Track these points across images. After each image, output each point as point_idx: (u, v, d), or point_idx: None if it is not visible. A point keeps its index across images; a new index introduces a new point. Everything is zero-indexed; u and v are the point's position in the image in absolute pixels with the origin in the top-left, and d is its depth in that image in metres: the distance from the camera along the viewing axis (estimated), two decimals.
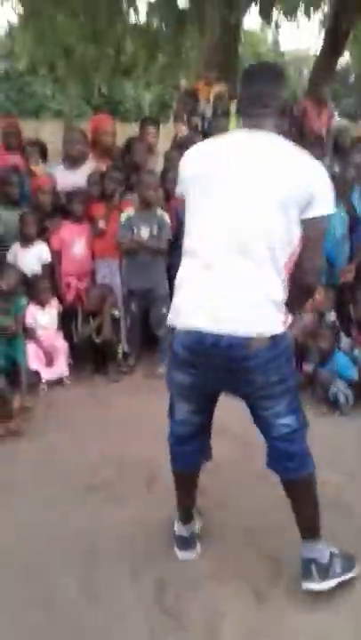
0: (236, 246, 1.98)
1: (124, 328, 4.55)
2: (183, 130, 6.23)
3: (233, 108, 6.44)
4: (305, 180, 2.00)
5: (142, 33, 10.08)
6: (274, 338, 2.02)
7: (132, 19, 10.26)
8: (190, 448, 2.36)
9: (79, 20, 9.87)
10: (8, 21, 10.68)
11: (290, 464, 2.17)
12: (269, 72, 2.18)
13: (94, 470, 3.14)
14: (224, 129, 5.35)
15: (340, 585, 2.24)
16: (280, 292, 2.04)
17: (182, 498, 2.48)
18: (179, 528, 2.50)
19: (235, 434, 3.29)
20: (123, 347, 4.53)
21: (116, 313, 4.47)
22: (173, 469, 2.44)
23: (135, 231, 4.35)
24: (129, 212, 4.41)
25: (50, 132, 7.81)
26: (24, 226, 4.46)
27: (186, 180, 2.14)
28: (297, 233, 2.02)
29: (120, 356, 4.49)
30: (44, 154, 5.09)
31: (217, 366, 2.06)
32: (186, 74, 11.01)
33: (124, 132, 6.00)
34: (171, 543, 2.52)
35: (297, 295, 2.14)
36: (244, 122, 2.14)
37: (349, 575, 2.27)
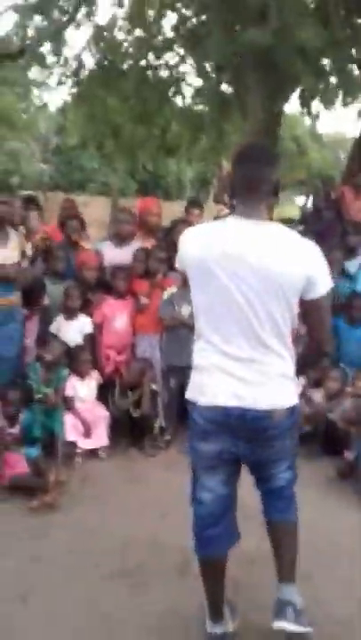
0: (249, 337, 2.13)
1: (161, 403, 4.59)
2: (225, 210, 6.44)
3: None
4: (303, 266, 2.12)
5: (188, 116, 10.60)
6: (292, 408, 2.23)
7: (180, 102, 10.84)
8: (219, 530, 2.31)
9: (129, 102, 10.47)
10: (63, 100, 11.32)
11: (286, 507, 2.35)
12: (262, 156, 2.25)
13: (125, 552, 3.10)
14: None
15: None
16: (292, 367, 2.25)
17: (212, 590, 2.38)
18: (211, 626, 2.40)
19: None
20: (160, 421, 4.54)
21: (155, 387, 4.52)
22: (202, 557, 2.36)
23: (176, 308, 4.46)
24: (172, 289, 4.54)
25: (96, 207, 8.22)
26: (68, 299, 4.62)
27: (186, 262, 2.24)
28: (296, 309, 2.18)
29: (157, 430, 4.50)
30: (82, 227, 5.29)
31: (240, 437, 2.19)
32: (227, 155, 11.47)
33: (167, 209, 6.25)
34: (200, 637, 2.44)
35: (316, 360, 2.52)
36: (237, 207, 2.21)
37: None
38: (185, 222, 5.05)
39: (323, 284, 2.18)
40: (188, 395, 2.29)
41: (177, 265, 2.39)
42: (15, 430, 4.08)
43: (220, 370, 2.17)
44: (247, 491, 2.41)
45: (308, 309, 2.22)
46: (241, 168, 2.22)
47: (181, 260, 2.30)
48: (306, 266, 2.12)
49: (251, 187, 2.16)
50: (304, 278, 2.12)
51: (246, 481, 2.38)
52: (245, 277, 2.10)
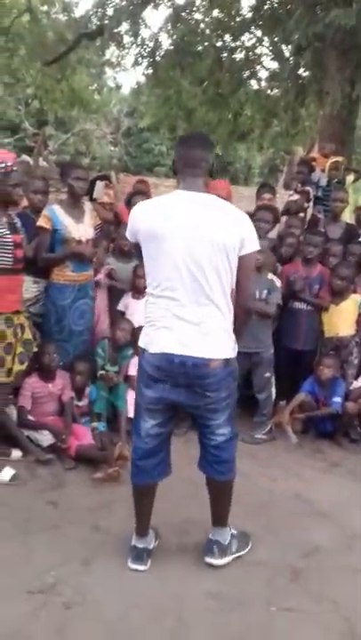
0: (197, 289, 2.49)
1: None
2: (295, 196, 6.32)
3: (350, 178, 6.50)
4: (237, 227, 2.53)
5: (262, 100, 10.43)
6: (227, 360, 2.59)
7: (254, 86, 10.68)
8: (153, 461, 2.76)
9: (203, 85, 10.40)
10: (137, 82, 11.38)
11: (220, 468, 2.78)
12: (201, 140, 2.72)
13: (185, 532, 3.13)
14: (342, 199, 5.39)
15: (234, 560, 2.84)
16: (230, 323, 2.62)
17: (141, 511, 2.81)
18: (135, 540, 2.81)
19: (336, 520, 3.21)
20: None
21: None
22: (135, 483, 2.79)
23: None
24: None
25: (165, 189, 8.18)
26: (136, 277, 4.65)
27: (140, 231, 2.60)
28: (234, 270, 2.55)
29: None
30: None
31: (180, 382, 2.57)
32: (300, 141, 11.24)
33: (235, 193, 6.18)
34: (261, 625, 2.46)
35: (241, 319, 2.72)
36: (181, 182, 2.62)
37: (242, 552, 2.92)
38: (268, 208, 4.95)
39: (252, 243, 2.58)
40: (140, 343, 2.68)
41: (127, 235, 2.73)
42: (82, 403, 4.19)
43: (168, 324, 2.53)
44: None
45: (239, 265, 2.56)
46: (184, 149, 2.64)
47: (133, 231, 2.65)
48: (240, 228, 2.53)
49: (192, 164, 2.58)
50: (239, 237, 2.51)
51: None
52: (194, 240, 2.46)
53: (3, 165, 3.40)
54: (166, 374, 2.56)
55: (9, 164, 3.45)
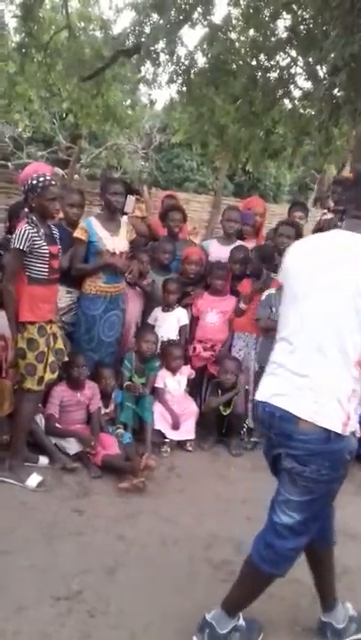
0: (313, 343, 2.11)
1: (251, 403, 4.56)
2: (328, 215, 6.30)
3: None
4: None
5: (295, 119, 10.46)
6: (328, 433, 2.06)
7: (288, 105, 10.71)
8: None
9: (237, 103, 10.47)
10: (171, 98, 11.49)
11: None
12: None
13: (210, 546, 3.12)
14: None
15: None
16: (347, 391, 2.08)
17: (252, 598, 2.40)
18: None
19: None
20: (248, 422, 4.52)
21: (247, 387, 4.50)
22: (275, 573, 2.30)
23: (273, 310, 4.41)
24: (270, 291, 4.49)
25: (196, 205, 8.27)
26: (166, 291, 4.68)
27: (285, 270, 2.33)
28: None
29: (245, 430, 4.49)
30: (184, 220, 5.24)
31: (271, 439, 2.22)
32: (332, 160, 11.23)
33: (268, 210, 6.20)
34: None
35: None
36: (347, 222, 2.32)
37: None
38: (291, 224, 4.97)
39: None
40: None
41: (279, 276, 2.51)
42: (109, 409, 4.23)
43: (277, 373, 2.20)
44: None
45: None
46: None
47: (282, 270, 2.38)
48: None
49: None
50: None
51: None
52: (325, 291, 2.13)
53: (42, 180, 3.48)
54: (261, 425, 2.27)
55: (48, 177, 3.53)
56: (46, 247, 3.51)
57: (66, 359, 3.83)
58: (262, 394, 2.22)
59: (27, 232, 3.42)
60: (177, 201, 5.81)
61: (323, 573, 2.53)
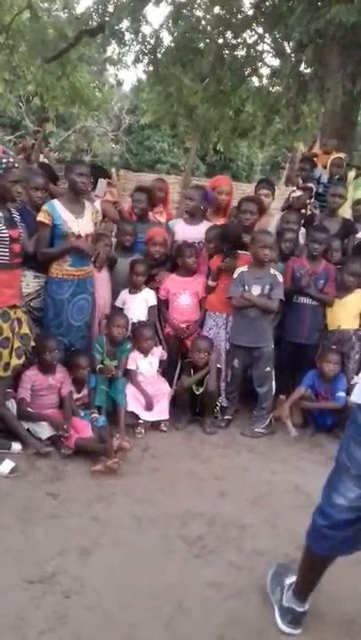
0: None
1: (223, 382, 4.59)
2: (297, 192, 6.31)
3: (351, 175, 6.50)
4: None
5: (263, 97, 10.42)
6: None
7: (256, 83, 10.66)
8: (345, 535, 2.20)
9: (205, 82, 10.38)
10: (138, 79, 11.37)
11: None
12: None
13: (185, 523, 3.15)
14: (341, 194, 5.39)
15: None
16: None
17: (310, 578, 2.38)
18: (292, 601, 2.41)
19: None
20: (221, 401, 4.55)
21: (219, 366, 4.52)
22: (316, 551, 2.30)
23: (246, 288, 4.42)
24: (242, 268, 4.50)
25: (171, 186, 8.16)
26: (133, 273, 4.65)
27: None
28: None
29: (218, 409, 4.51)
30: (150, 202, 5.18)
31: None
32: (301, 138, 11.23)
33: (236, 189, 6.18)
34: (261, 614, 2.47)
35: None
36: None
37: None
38: (252, 200, 4.95)
39: None
40: (355, 397, 2.14)
41: None
42: (81, 394, 4.21)
43: None
44: None
45: None
46: None
47: None
48: None
49: None
50: None
51: None
52: None
53: (5, 162, 3.41)
54: None
55: (10, 160, 3.46)
56: (6, 231, 3.45)
57: (32, 344, 3.80)
58: None
59: None
60: (164, 184, 5.66)
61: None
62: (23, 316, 3.73)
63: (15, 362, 3.61)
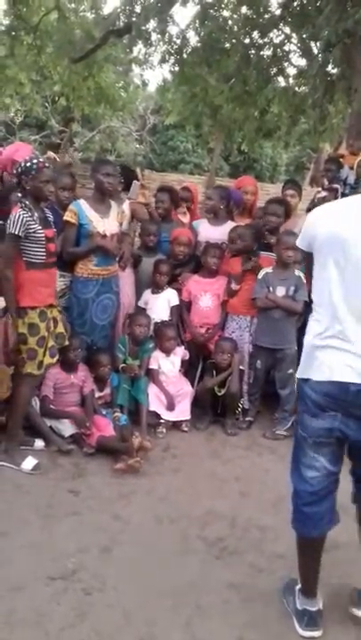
0: None
1: (246, 384, 4.57)
2: (322, 193, 6.26)
3: None
4: None
5: (289, 97, 10.35)
6: None
7: (282, 83, 10.59)
8: (323, 509, 2.30)
9: (230, 82, 10.35)
10: (164, 79, 11.38)
11: None
12: None
13: (205, 524, 3.14)
14: None
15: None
16: None
17: (308, 568, 2.41)
18: (302, 602, 2.43)
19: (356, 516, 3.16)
20: (243, 402, 4.53)
21: (242, 368, 4.50)
22: (303, 535, 2.37)
23: (271, 289, 4.40)
24: (266, 269, 4.48)
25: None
26: (156, 273, 4.66)
27: (318, 237, 2.26)
28: None
29: (240, 410, 4.50)
30: (174, 202, 5.17)
31: (351, 414, 2.19)
32: (327, 139, 11.14)
33: (260, 190, 6.15)
34: (280, 617, 2.46)
35: None
36: None
37: None
38: (279, 202, 4.93)
39: None
40: (301, 373, 2.31)
41: (298, 242, 2.44)
42: (104, 392, 4.24)
43: (337, 347, 2.20)
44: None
45: None
46: None
47: (307, 237, 2.33)
48: None
49: None
50: None
51: None
52: None
53: (35, 162, 3.45)
54: (339, 402, 2.20)
55: (41, 159, 3.50)
56: (42, 231, 3.49)
57: (66, 343, 3.83)
58: (340, 374, 2.17)
59: (21, 217, 3.40)
60: (190, 194, 5.64)
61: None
62: (59, 316, 3.76)
63: (48, 360, 3.64)
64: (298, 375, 2.36)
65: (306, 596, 2.42)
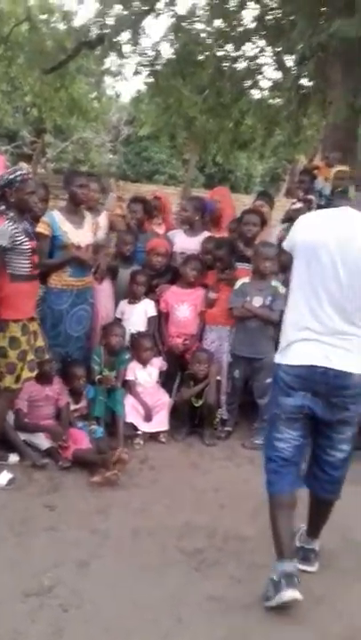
0: (339, 312, 2.55)
1: (224, 394, 4.56)
2: (298, 204, 6.33)
3: (352, 190, 6.50)
4: None
5: (263, 109, 10.46)
6: None
7: (256, 95, 10.70)
8: (292, 469, 2.68)
9: (204, 94, 10.42)
10: (138, 90, 11.42)
11: (331, 487, 2.77)
12: None
13: (184, 535, 3.11)
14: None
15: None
16: None
17: (281, 529, 2.62)
18: (281, 564, 2.55)
19: (336, 525, 3.15)
20: (221, 412, 4.52)
21: (219, 378, 4.49)
22: (272, 494, 2.68)
23: (248, 299, 4.41)
24: (243, 279, 4.49)
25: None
26: (133, 283, 4.64)
27: (297, 242, 2.67)
28: None
29: (218, 421, 4.48)
30: (147, 212, 5.15)
31: (320, 394, 2.58)
32: (302, 150, 11.28)
33: (235, 201, 6.19)
34: (261, 628, 2.44)
35: None
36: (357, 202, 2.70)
37: None
38: (254, 212, 4.96)
39: None
40: (278, 358, 2.70)
41: (284, 244, 2.85)
42: (80, 405, 4.18)
43: (310, 339, 2.57)
44: None
45: None
46: None
47: (292, 240, 2.72)
48: None
49: None
50: None
51: None
52: (348, 261, 2.51)
53: (19, 173, 3.43)
54: (307, 383, 2.59)
55: (24, 171, 3.48)
56: (28, 243, 3.46)
57: (46, 357, 3.78)
58: (310, 359, 2.56)
59: (8, 229, 3.37)
60: (160, 202, 5.62)
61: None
62: (38, 329, 3.72)
63: (27, 374, 3.59)
64: (275, 361, 2.73)
65: (281, 560, 2.56)
